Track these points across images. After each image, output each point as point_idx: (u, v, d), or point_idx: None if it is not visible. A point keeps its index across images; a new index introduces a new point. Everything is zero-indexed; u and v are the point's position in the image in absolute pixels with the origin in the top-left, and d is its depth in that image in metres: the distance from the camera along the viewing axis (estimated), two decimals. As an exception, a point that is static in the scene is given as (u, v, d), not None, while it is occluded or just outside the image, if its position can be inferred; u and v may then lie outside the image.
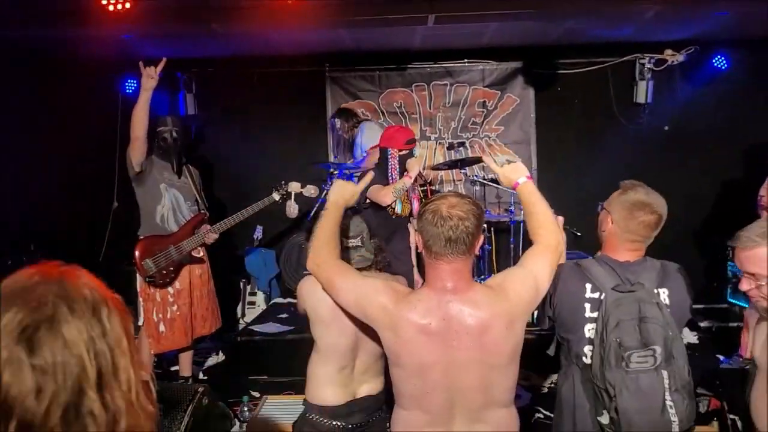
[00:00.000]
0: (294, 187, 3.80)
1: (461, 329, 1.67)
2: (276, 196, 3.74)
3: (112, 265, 4.94)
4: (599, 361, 1.82)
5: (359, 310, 1.82)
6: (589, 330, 1.90)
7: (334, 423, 2.15)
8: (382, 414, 2.19)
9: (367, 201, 3.59)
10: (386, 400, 2.17)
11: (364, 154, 4.59)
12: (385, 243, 3.49)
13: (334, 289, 1.89)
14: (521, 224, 5.03)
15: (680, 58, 5.15)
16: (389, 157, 3.60)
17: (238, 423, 3.35)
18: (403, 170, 3.54)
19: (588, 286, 1.91)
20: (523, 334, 1.74)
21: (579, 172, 5.30)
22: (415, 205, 3.61)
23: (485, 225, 4.90)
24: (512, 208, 5.03)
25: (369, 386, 2.19)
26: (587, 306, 1.90)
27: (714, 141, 5.02)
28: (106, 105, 4.97)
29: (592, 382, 1.87)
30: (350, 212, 2.34)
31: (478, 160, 5.04)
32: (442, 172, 5.45)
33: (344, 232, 2.23)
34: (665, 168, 5.24)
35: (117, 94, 5.02)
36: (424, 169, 3.79)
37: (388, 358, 1.80)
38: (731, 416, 2.52)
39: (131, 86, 5.05)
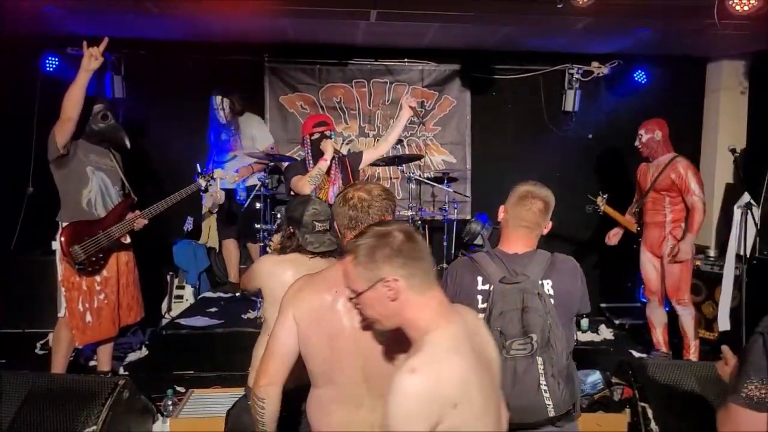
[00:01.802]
0: (218, 173, 3.79)
1: None
2: (202, 182, 3.70)
3: (26, 254, 4.63)
4: None
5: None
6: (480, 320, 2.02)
7: None
8: None
9: (291, 193, 3.59)
10: None
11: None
12: None
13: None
14: (454, 223, 5.17)
15: (605, 70, 5.47)
16: (304, 145, 3.69)
17: (161, 417, 3.23)
18: (317, 155, 3.57)
19: (479, 278, 2.04)
20: None
21: (511, 174, 5.42)
22: (335, 189, 3.60)
23: (420, 222, 5.00)
24: (446, 207, 5.14)
25: None
26: (479, 297, 2.03)
27: (632, 150, 5.35)
28: (23, 83, 4.65)
29: None
30: (313, 197, 2.39)
31: (415, 158, 5.13)
32: (379, 169, 5.49)
33: (316, 216, 2.27)
34: (588, 173, 5.54)
35: (36, 72, 4.70)
36: (343, 155, 3.79)
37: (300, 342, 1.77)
38: (642, 404, 2.69)
39: (52, 64, 4.75)
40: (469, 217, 5.39)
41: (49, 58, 4.74)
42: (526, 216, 2.08)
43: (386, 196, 1.85)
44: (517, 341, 1.89)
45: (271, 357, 1.78)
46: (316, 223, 2.26)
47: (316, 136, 3.59)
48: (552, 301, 1.99)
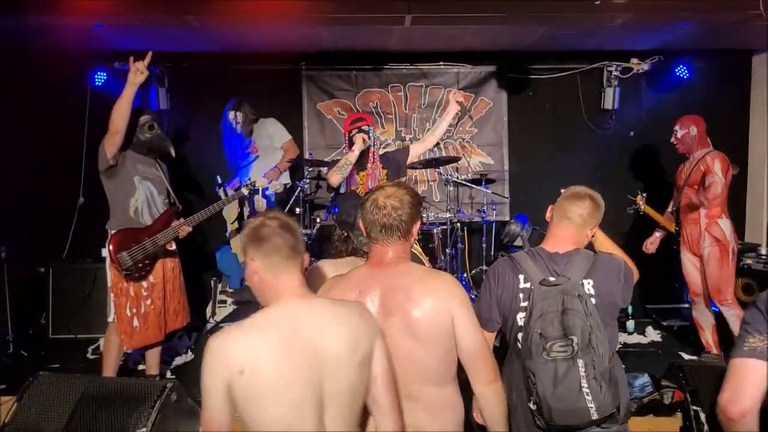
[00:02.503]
0: (261, 182, 3.87)
1: (388, 297, 1.76)
2: (245, 191, 3.79)
3: (78, 262, 4.82)
4: (525, 349, 1.93)
5: None
6: (520, 318, 2.02)
7: None
8: None
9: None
10: None
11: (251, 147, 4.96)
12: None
13: None
14: (493, 224, 5.13)
15: (645, 66, 5.33)
16: (345, 142, 3.86)
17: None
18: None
19: (521, 276, 2.05)
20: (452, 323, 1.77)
21: (549, 175, 5.40)
22: (369, 183, 3.73)
23: (458, 224, 4.98)
24: (485, 208, 5.11)
25: None
26: (521, 296, 2.03)
27: (674, 147, 5.22)
28: (74, 98, 4.84)
29: (524, 369, 1.96)
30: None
31: (452, 160, 5.12)
32: (416, 172, 5.50)
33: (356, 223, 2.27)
34: (630, 172, 5.42)
35: (85, 86, 4.90)
36: (378, 146, 3.91)
37: None
38: (694, 407, 2.61)
39: (101, 78, 4.94)
40: (507, 218, 5.34)
41: (98, 72, 4.92)
42: (572, 209, 2.11)
43: (416, 202, 1.86)
44: (557, 343, 1.88)
45: None
46: (356, 231, 2.29)
47: (354, 132, 3.76)
48: (593, 300, 1.97)
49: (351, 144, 3.77)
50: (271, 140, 5.01)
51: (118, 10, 3.80)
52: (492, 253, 5.11)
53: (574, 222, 2.11)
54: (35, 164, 4.78)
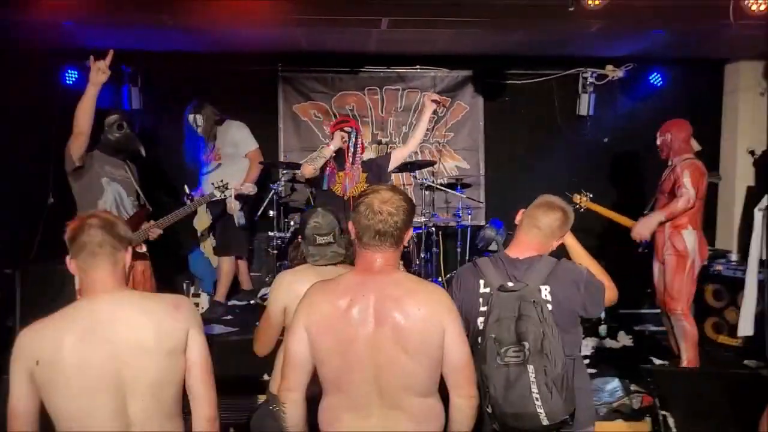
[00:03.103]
0: (232, 185, 3.81)
1: (379, 306, 1.73)
2: (217, 193, 3.74)
3: (45, 263, 4.69)
4: (478, 356, 1.94)
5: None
6: (480, 323, 2.04)
7: None
8: None
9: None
10: None
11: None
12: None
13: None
14: (468, 229, 5.14)
15: (620, 73, 5.40)
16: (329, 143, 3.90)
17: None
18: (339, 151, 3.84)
19: (481, 282, 2.08)
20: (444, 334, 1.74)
21: (525, 180, 5.44)
22: (347, 184, 3.84)
23: (433, 228, 4.98)
24: (459, 212, 5.12)
25: None
26: (480, 300, 2.06)
27: (649, 153, 5.28)
28: (43, 96, 4.73)
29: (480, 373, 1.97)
30: (320, 209, 2.41)
31: (428, 164, 5.12)
32: (392, 176, 5.48)
33: (317, 230, 2.30)
34: (604, 178, 5.48)
35: (56, 84, 4.80)
36: (353, 144, 3.89)
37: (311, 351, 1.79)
38: (663, 412, 2.64)
39: (71, 77, 4.85)
40: (483, 223, 5.35)
41: (69, 71, 4.84)
42: (543, 220, 2.13)
43: (411, 209, 1.83)
44: (511, 348, 1.91)
45: (287, 366, 1.83)
46: (317, 236, 2.30)
47: (337, 130, 3.85)
48: (549, 307, 1.98)
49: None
50: (236, 147, 4.71)
51: (90, 8, 3.73)
52: (467, 257, 5.12)
53: (543, 232, 2.14)
54: (2, 163, 4.65)
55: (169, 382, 1.67)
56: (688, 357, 3.76)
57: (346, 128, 3.87)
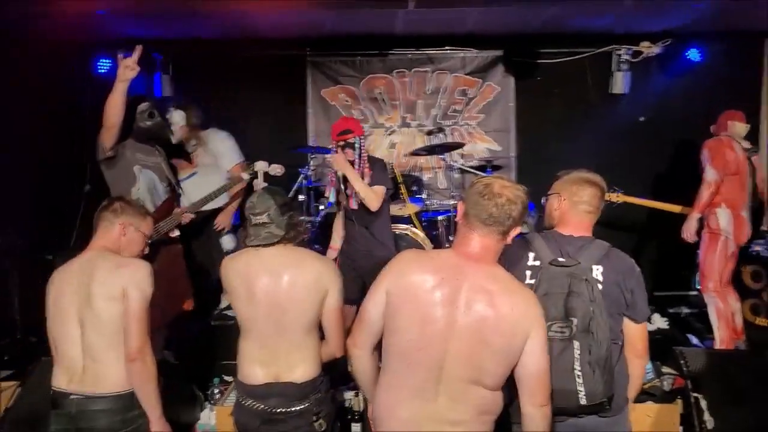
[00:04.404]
0: (260, 166, 3.80)
1: (470, 294, 1.68)
2: (245, 176, 3.74)
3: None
4: None
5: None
6: None
7: (254, 404, 2.13)
8: (308, 405, 2.13)
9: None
10: (316, 392, 2.16)
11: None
12: (366, 230, 3.52)
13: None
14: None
15: (656, 50, 5.22)
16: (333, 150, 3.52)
17: (209, 405, 3.34)
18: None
19: (530, 254, 2.03)
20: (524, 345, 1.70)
21: (557, 161, 5.29)
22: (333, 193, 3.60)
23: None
24: (490, 195, 5.06)
25: (295, 372, 2.13)
26: (528, 273, 2.01)
27: (687, 132, 5.11)
28: (77, 85, 4.84)
29: None
30: (262, 189, 2.31)
31: (456, 146, 5.07)
32: (421, 158, 5.46)
33: (251, 209, 2.23)
34: (640, 157, 5.33)
35: (89, 73, 4.91)
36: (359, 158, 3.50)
37: (386, 316, 1.77)
38: (695, 395, 2.59)
39: (104, 66, 4.94)
40: (513, 205, 5.29)
41: (101, 60, 4.93)
42: (589, 200, 2.08)
43: (527, 205, 1.77)
44: (556, 324, 1.88)
45: (358, 323, 1.85)
46: (252, 217, 2.22)
47: (341, 143, 3.46)
48: (600, 287, 1.94)
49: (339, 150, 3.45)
50: (215, 158, 4.43)
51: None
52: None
53: (592, 212, 2.10)
54: (39, 152, 4.81)
55: (112, 322, 2.16)
56: (720, 336, 3.75)
57: (350, 140, 3.43)
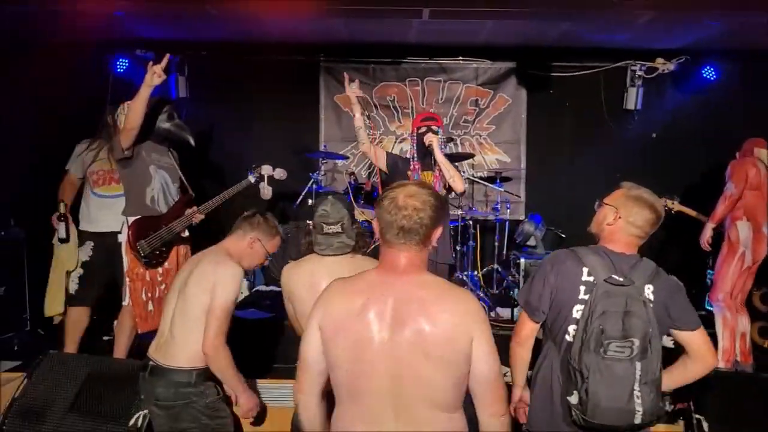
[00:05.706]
0: (266, 169, 3.82)
1: (400, 307, 1.59)
2: (251, 179, 3.78)
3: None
4: (579, 343, 1.90)
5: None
6: (577, 311, 1.98)
7: None
8: None
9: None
10: None
11: None
12: None
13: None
14: (506, 223, 5.08)
15: (671, 66, 5.22)
16: (412, 137, 3.59)
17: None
18: (421, 148, 3.49)
19: (585, 269, 1.99)
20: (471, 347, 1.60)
21: (567, 175, 5.34)
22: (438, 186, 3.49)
23: (471, 221, 4.94)
24: (498, 206, 5.06)
25: None
26: (582, 288, 1.98)
27: (700, 150, 5.09)
28: (96, 85, 4.92)
29: (568, 362, 1.93)
30: (330, 197, 2.31)
31: (466, 157, 5.08)
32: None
33: (324, 218, 2.23)
34: (651, 174, 5.29)
35: (107, 73, 4.98)
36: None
37: (324, 353, 1.66)
38: (697, 416, 2.56)
39: (122, 66, 5.01)
40: (522, 217, 5.29)
41: (120, 60, 5.01)
42: (642, 225, 2.03)
43: (440, 205, 1.66)
44: (616, 343, 1.86)
45: (300, 367, 1.72)
46: (324, 225, 2.22)
47: (423, 129, 3.48)
48: (652, 306, 1.93)
49: (418, 139, 3.49)
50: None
51: (141, -1, 3.86)
52: (504, 251, 5.07)
53: (641, 237, 2.06)
54: (59, 151, 4.87)
55: None
56: (724, 346, 3.77)
57: (433, 128, 3.45)
